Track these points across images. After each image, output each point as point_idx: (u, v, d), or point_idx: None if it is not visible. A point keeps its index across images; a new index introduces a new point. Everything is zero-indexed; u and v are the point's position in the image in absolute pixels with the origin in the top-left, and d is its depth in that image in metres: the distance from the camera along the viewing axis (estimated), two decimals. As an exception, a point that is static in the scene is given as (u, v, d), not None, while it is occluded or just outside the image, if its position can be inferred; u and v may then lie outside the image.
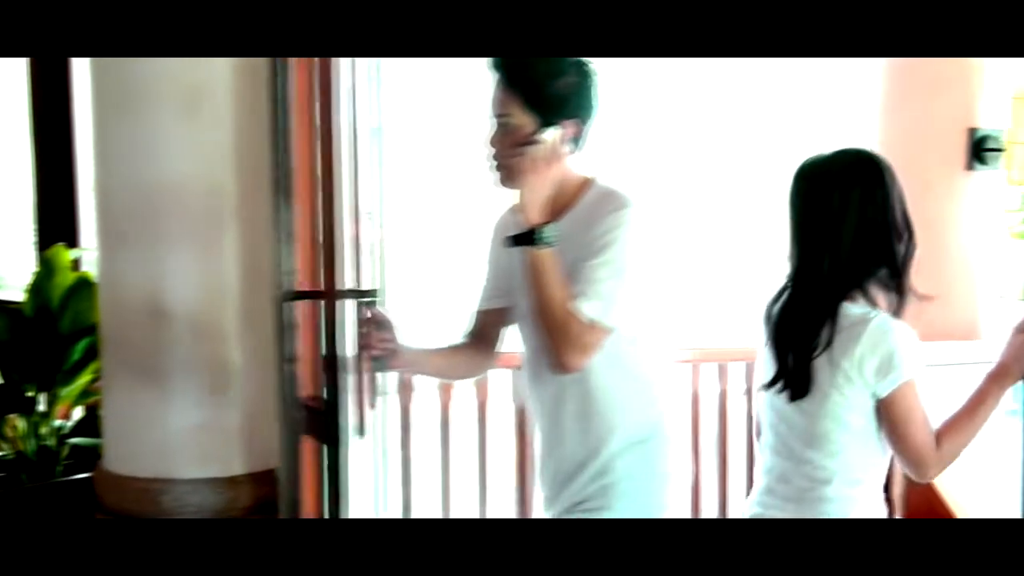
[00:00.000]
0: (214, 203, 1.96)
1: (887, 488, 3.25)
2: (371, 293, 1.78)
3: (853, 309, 1.69)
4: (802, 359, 1.69)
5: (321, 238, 1.62)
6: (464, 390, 2.97)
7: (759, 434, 1.86)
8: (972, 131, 3.33)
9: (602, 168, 1.83)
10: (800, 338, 1.69)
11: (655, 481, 1.81)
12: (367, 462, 1.94)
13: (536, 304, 1.66)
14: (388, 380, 2.78)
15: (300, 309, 1.69)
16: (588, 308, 1.63)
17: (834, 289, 1.69)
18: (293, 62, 1.66)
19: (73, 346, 2.76)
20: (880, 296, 1.74)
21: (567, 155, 1.74)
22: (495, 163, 1.77)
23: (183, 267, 1.96)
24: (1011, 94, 3.40)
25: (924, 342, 3.27)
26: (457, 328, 2.02)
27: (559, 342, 1.63)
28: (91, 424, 2.80)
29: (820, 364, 1.68)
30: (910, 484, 3.18)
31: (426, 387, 2.94)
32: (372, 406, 2.67)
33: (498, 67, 1.72)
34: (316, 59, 1.60)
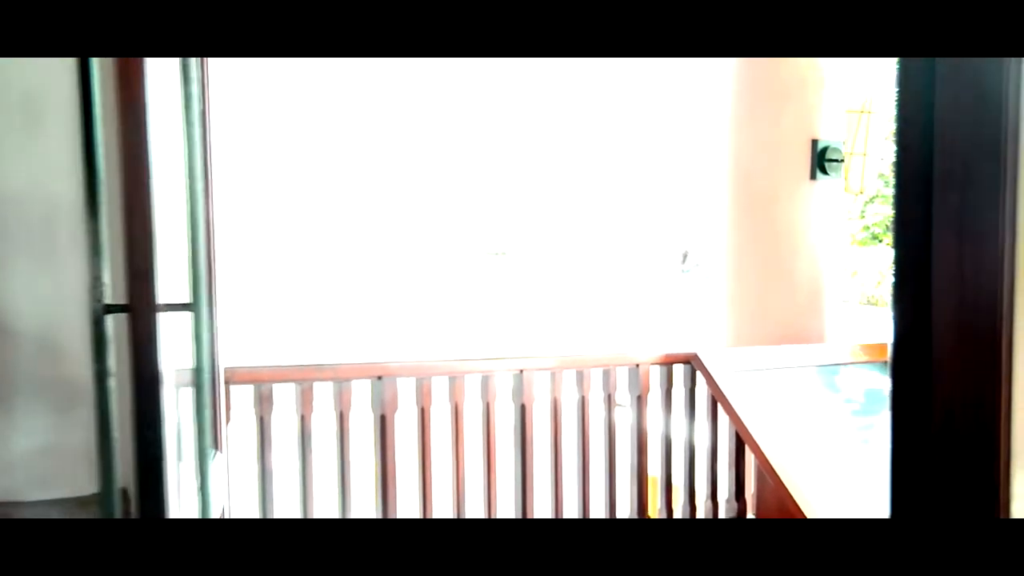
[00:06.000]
0: (55, 216, 1.87)
1: (740, 489, 3.36)
2: (188, 307, 1.66)
3: None
4: None
5: (127, 249, 1.51)
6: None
7: None
8: (815, 142, 3.47)
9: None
10: None
11: None
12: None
13: None
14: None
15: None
16: None
17: None
18: (110, 66, 1.53)
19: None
20: None
21: None
22: None
23: (24, 282, 1.86)
24: (844, 108, 3.56)
25: (773, 345, 3.41)
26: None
27: None
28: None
29: None
30: (762, 486, 3.28)
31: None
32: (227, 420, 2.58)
33: None
34: (128, 62, 1.48)
